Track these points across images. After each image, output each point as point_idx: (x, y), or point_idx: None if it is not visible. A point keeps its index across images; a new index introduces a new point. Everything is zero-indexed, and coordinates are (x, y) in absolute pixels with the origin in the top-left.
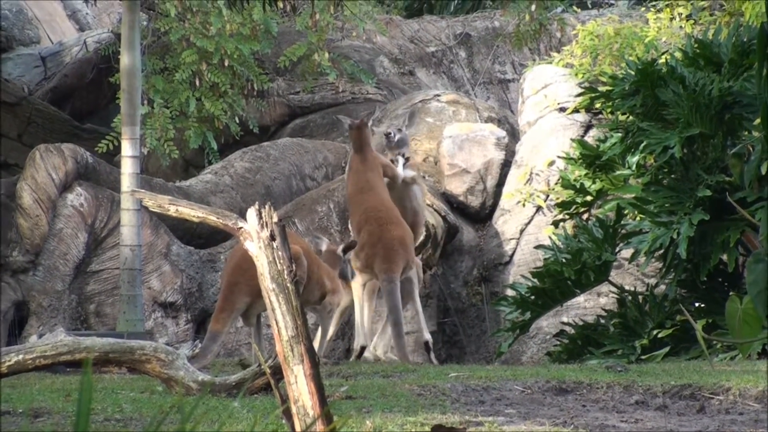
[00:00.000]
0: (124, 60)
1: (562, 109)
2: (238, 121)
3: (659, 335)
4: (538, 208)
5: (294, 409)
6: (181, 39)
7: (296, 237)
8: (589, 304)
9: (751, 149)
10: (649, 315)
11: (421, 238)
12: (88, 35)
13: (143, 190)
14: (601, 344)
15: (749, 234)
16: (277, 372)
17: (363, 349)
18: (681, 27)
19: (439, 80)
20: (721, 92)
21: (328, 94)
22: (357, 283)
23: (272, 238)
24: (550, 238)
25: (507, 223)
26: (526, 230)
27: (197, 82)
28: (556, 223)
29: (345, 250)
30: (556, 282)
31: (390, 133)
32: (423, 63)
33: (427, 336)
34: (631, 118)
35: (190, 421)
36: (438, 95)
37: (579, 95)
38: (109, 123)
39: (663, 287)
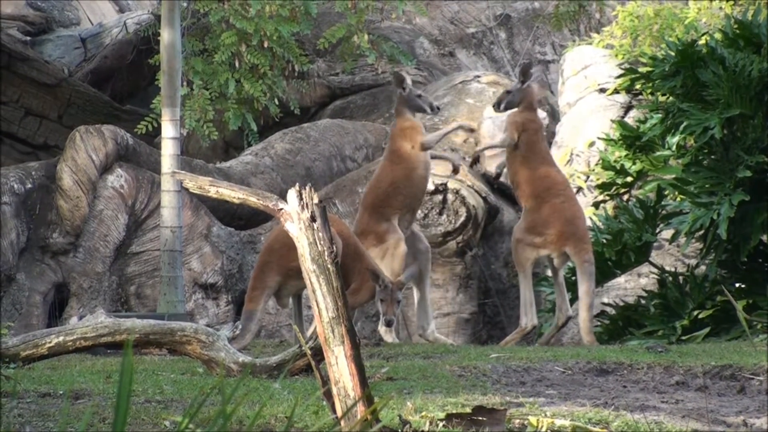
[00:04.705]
0: (164, 41)
1: (602, 90)
2: (277, 102)
3: (700, 316)
4: (579, 189)
5: (335, 391)
6: (221, 20)
7: (338, 220)
8: (629, 285)
9: None
10: (689, 295)
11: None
12: (128, 17)
13: (184, 172)
14: (642, 325)
15: None
16: (318, 353)
17: (534, 327)
18: (721, 8)
19: (479, 61)
20: (761, 73)
21: (369, 76)
22: (527, 260)
23: (313, 219)
24: (590, 219)
25: None
26: None
27: (237, 64)
28: (596, 204)
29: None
30: (596, 263)
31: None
32: (463, 44)
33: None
34: (671, 99)
35: (231, 403)
36: (478, 76)
37: (619, 76)
38: (149, 104)
39: (703, 268)
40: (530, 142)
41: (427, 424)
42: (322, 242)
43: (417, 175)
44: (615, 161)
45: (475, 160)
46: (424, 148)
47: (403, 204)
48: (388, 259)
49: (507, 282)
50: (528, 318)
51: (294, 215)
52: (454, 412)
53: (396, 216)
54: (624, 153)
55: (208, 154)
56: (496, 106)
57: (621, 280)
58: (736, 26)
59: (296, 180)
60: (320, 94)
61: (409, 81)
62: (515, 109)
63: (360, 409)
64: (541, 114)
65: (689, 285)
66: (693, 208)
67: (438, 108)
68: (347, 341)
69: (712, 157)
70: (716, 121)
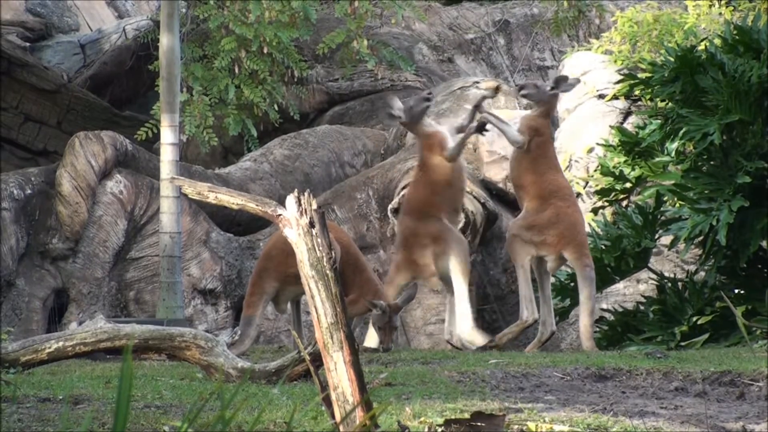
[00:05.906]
0: (164, 47)
1: (601, 96)
2: (277, 108)
3: (699, 322)
4: (578, 195)
5: (333, 396)
6: (220, 26)
7: (338, 228)
8: (628, 291)
9: None
10: (688, 301)
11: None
12: (127, 22)
13: (182, 178)
14: (641, 331)
15: None
16: (317, 359)
17: (535, 321)
18: (720, 13)
19: (478, 67)
20: (760, 79)
21: (367, 81)
22: (524, 256)
23: (311, 225)
24: (589, 225)
25: None
26: None
27: (236, 70)
28: (595, 210)
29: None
30: (595, 269)
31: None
32: (462, 50)
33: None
34: (670, 104)
35: (230, 408)
36: (477, 82)
37: (618, 82)
38: (148, 110)
39: (702, 274)
40: (542, 147)
41: (426, 429)
42: (320, 248)
43: (453, 178)
44: (614, 167)
45: (481, 126)
46: (452, 159)
47: (447, 205)
48: (453, 257)
49: (506, 288)
50: (529, 312)
51: (292, 221)
52: (453, 417)
53: (444, 217)
54: (623, 159)
55: (207, 160)
56: (520, 89)
57: (620, 286)
58: (735, 32)
59: (295, 186)
60: (319, 99)
61: (395, 106)
62: (531, 112)
63: (359, 415)
64: None
65: (688, 291)
66: (692, 214)
67: (430, 93)
68: (346, 347)
69: (712, 163)
70: (715, 127)
